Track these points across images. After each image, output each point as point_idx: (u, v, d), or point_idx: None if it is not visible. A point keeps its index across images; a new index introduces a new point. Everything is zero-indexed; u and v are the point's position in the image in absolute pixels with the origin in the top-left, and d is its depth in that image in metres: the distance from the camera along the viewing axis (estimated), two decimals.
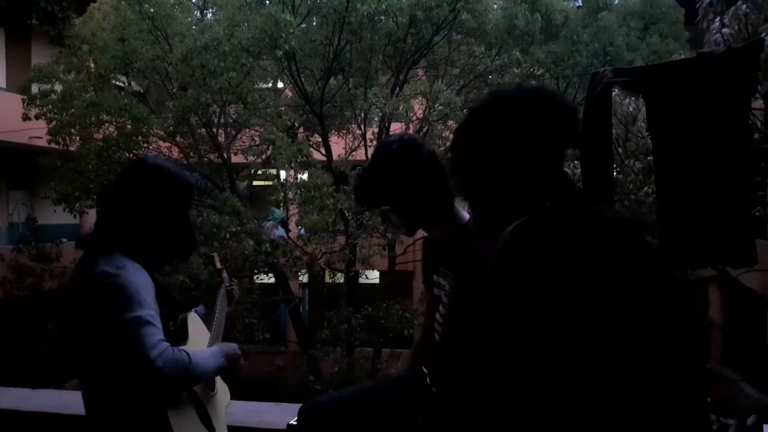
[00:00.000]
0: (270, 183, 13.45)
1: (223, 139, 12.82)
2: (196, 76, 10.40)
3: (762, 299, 9.37)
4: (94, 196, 11.02)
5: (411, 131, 12.45)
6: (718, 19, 4.25)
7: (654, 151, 2.78)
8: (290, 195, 11.16)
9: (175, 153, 12.65)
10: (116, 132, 11.38)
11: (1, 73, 14.74)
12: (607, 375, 1.05)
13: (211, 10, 13.02)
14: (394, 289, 12.05)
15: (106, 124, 11.41)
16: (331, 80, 11.54)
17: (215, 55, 10.13)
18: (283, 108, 12.71)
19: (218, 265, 2.40)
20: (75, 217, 11.83)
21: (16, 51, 14.88)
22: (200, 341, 1.95)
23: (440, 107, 10.62)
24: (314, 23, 11.72)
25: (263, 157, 11.39)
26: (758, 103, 4.40)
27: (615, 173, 5.87)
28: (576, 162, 7.97)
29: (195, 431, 1.76)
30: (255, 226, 10.60)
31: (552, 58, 11.42)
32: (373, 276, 13.68)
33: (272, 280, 12.54)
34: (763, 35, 3.59)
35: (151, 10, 10.95)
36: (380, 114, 11.25)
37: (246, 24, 10.51)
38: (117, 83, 12.44)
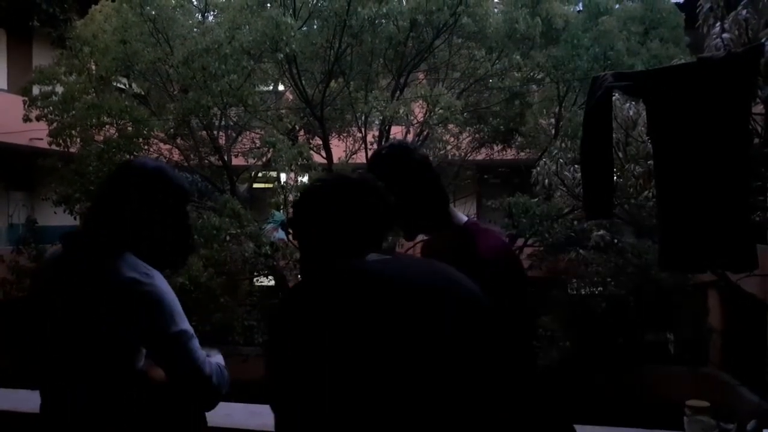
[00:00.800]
0: (270, 185, 13.43)
1: (223, 142, 12.84)
2: (197, 79, 10.42)
3: (762, 304, 9.36)
4: None
5: (411, 134, 12.47)
6: (718, 24, 4.26)
7: (654, 156, 2.78)
8: (290, 198, 11.16)
9: (176, 155, 12.66)
10: (117, 134, 11.38)
11: (2, 74, 14.76)
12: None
13: (212, 13, 13.04)
14: None
15: (107, 126, 11.41)
16: (332, 83, 11.56)
17: (216, 58, 10.14)
18: (283, 111, 12.73)
19: None
20: (75, 218, 11.82)
21: (18, 52, 14.91)
22: None
23: (441, 111, 10.63)
24: (315, 26, 11.73)
25: (264, 159, 11.40)
26: (758, 108, 4.40)
27: (615, 177, 5.88)
28: (576, 166, 8.02)
29: None
30: (255, 228, 10.61)
31: (552, 62, 11.43)
32: None
33: (272, 282, 12.53)
34: (763, 40, 3.59)
35: (153, 12, 10.97)
36: (381, 117, 11.25)
37: (247, 27, 10.53)
38: (118, 85, 12.45)
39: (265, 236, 11.05)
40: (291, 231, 1.53)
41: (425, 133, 12.21)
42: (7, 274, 11.76)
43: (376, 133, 12.27)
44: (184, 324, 1.62)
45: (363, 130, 11.94)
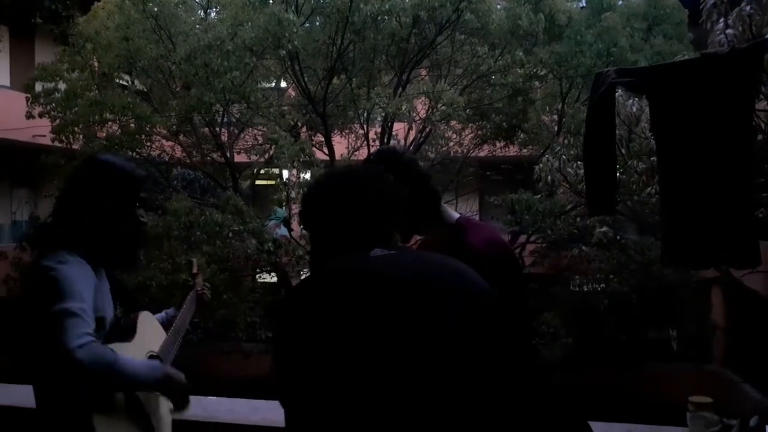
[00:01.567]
0: (273, 182, 13.43)
1: (226, 139, 12.85)
2: (199, 75, 10.42)
3: (765, 301, 9.34)
4: None
5: (414, 131, 12.46)
6: (722, 19, 4.25)
7: (657, 152, 2.78)
8: (293, 194, 11.17)
9: (178, 152, 12.67)
10: (120, 131, 11.41)
11: (5, 71, 14.77)
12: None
13: (214, 10, 13.03)
14: None
15: (110, 123, 11.44)
16: (334, 80, 11.55)
17: (218, 55, 10.14)
18: (286, 107, 12.73)
19: (194, 270, 2.46)
20: None
21: (21, 49, 14.91)
22: (152, 341, 1.93)
23: (443, 107, 10.61)
24: (317, 23, 11.73)
25: (266, 156, 11.40)
26: (762, 104, 4.39)
27: (618, 174, 5.87)
28: (579, 162, 8.00)
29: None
30: (257, 225, 10.62)
31: (555, 58, 11.40)
32: None
33: (274, 279, 12.55)
34: (767, 36, 3.58)
35: (155, 9, 10.97)
36: (383, 114, 11.24)
37: (249, 23, 10.52)
38: (120, 82, 12.46)
39: (268, 233, 11.06)
40: (300, 224, 1.52)
41: (428, 129, 12.20)
42: (11, 271, 11.80)
43: (379, 130, 12.27)
44: (72, 303, 1.57)
45: (365, 126, 11.93)
